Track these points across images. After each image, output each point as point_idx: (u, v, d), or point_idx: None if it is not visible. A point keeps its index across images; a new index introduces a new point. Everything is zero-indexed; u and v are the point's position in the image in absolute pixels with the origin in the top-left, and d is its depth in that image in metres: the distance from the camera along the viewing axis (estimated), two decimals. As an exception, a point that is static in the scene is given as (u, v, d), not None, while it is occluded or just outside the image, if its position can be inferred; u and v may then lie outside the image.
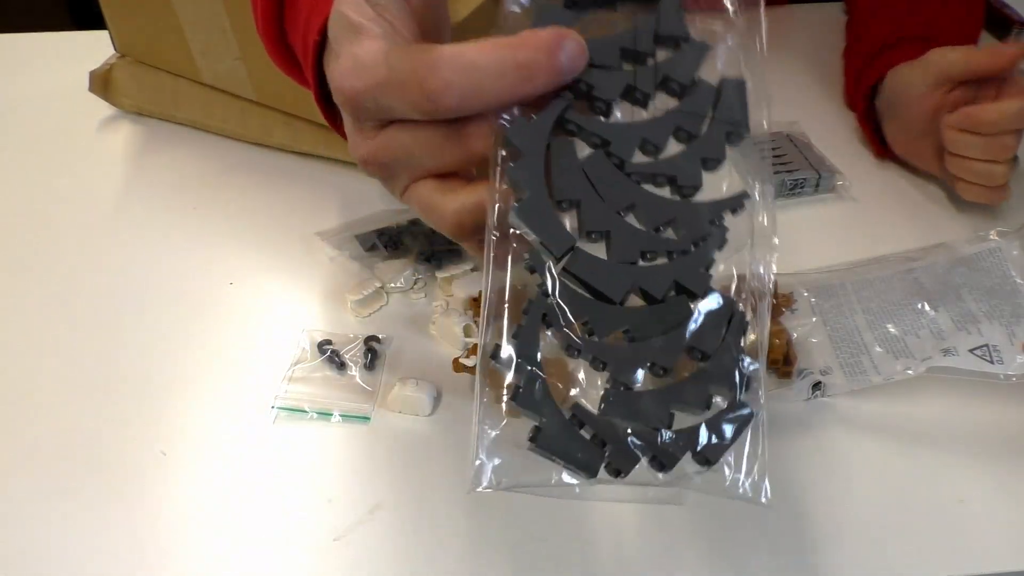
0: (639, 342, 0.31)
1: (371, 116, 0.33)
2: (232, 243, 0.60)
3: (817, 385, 0.48)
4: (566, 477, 0.30)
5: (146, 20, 0.67)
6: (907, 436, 0.46)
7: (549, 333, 0.30)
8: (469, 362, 0.46)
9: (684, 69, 0.32)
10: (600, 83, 0.31)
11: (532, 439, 0.30)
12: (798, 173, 0.63)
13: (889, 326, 0.49)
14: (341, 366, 0.50)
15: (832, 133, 0.69)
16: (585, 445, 0.30)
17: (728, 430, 0.30)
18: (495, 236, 0.31)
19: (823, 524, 0.42)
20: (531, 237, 0.30)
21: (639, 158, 0.32)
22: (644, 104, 0.32)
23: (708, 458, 0.30)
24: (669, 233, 0.32)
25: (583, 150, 0.32)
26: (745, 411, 0.30)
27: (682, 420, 0.30)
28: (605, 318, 0.31)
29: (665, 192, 0.32)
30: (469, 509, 0.43)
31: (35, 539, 0.41)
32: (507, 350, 0.30)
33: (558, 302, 0.30)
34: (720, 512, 0.42)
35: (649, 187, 0.32)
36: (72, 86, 0.72)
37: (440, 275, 0.55)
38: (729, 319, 0.31)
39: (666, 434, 0.30)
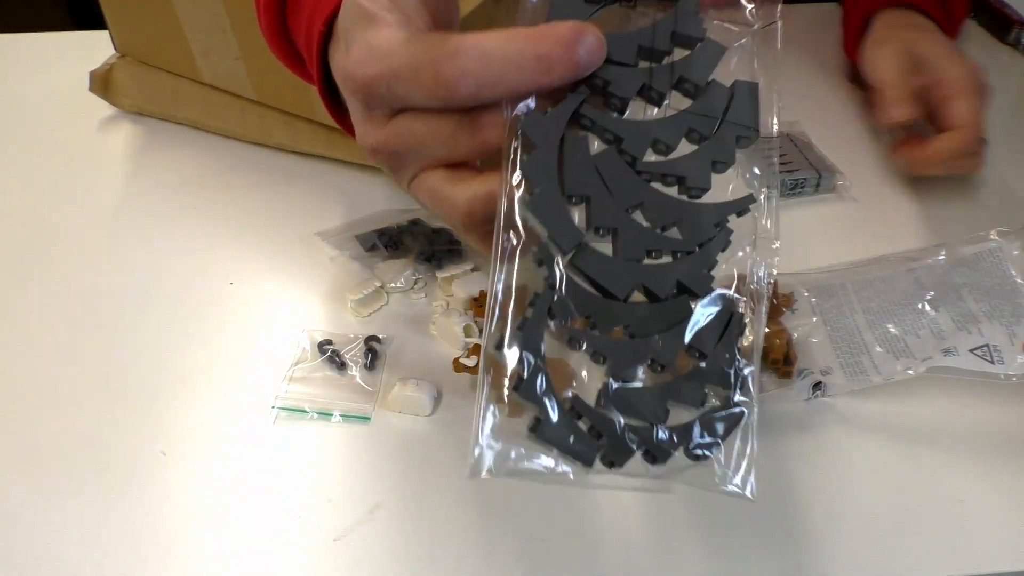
0: (639, 339, 0.31)
1: (382, 104, 0.33)
2: (232, 243, 0.60)
3: (817, 385, 0.48)
4: (562, 466, 0.31)
5: (146, 20, 0.67)
6: (907, 436, 0.46)
7: (553, 325, 0.31)
8: (469, 362, 0.46)
9: (699, 70, 0.32)
10: (617, 79, 0.31)
11: (532, 429, 0.30)
12: (798, 173, 0.63)
13: (889, 326, 0.49)
14: (341, 366, 0.50)
15: (832, 133, 0.69)
16: (582, 437, 0.31)
17: (720, 428, 0.31)
18: (505, 228, 0.31)
19: (823, 524, 0.42)
20: (540, 230, 0.31)
21: (649, 156, 0.32)
22: (659, 103, 0.32)
23: (699, 454, 0.31)
24: (674, 232, 0.32)
25: (595, 145, 0.32)
26: (737, 411, 0.31)
27: (676, 416, 0.31)
28: (608, 313, 0.31)
29: (673, 191, 0.32)
30: (469, 509, 0.43)
31: (35, 539, 0.41)
32: (512, 341, 0.30)
33: (564, 296, 0.31)
34: (720, 513, 0.42)
35: (658, 186, 0.32)
36: (72, 86, 0.72)
37: (440, 275, 0.55)
38: (728, 320, 0.32)
39: (660, 429, 0.31)
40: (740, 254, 0.33)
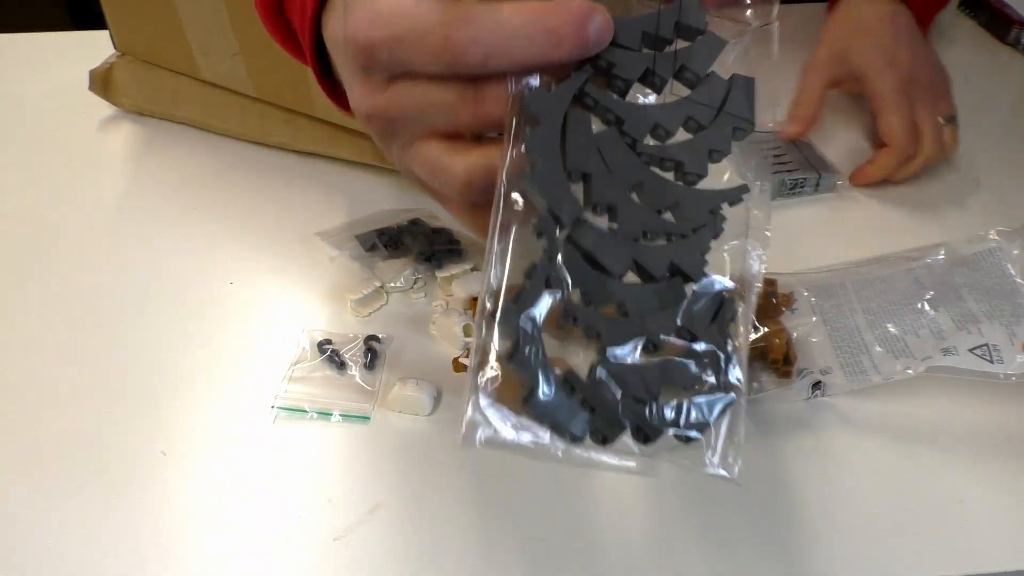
0: (633, 317, 0.31)
1: (383, 69, 0.33)
2: (232, 243, 0.60)
3: (817, 385, 0.48)
4: (551, 441, 0.31)
5: (146, 17, 0.67)
6: (907, 436, 0.46)
7: (548, 296, 0.31)
8: (469, 361, 0.46)
9: (701, 61, 0.32)
10: (621, 62, 0.32)
11: (525, 400, 0.30)
12: (798, 173, 0.63)
13: (889, 326, 0.49)
14: (341, 366, 0.50)
15: (832, 133, 0.69)
16: (575, 411, 0.30)
17: (709, 410, 0.31)
18: (503, 200, 0.31)
19: (823, 524, 0.42)
20: (540, 204, 0.31)
21: (647, 142, 0.32)
22: (659, 89, 0.33)
23: (689, 435, 0.31)
24: (669, 216, 0.32)
25: (596, 125, 0.32)
26: (728, 395, 0.31)
27: (666, 398, 0.31)
28: (603, 289, 0.31)
29: (669, 176, 0.33)
30: (469, 509, 0.43)
31: (35, 539, 0.41)
32: (508, 311, 0.30)
33: (561, 267, 0.31)
34: (720, 513, 0.42)
35: (656, 170, 0.32)
36: (72, 86, 0.72)
37: (440, 275, 0.55)
38: (720, 305, 0.32)
39: (652, 408, 0.31)
40: (734, 243, 0.34)
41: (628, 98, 0.33)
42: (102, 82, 0.71)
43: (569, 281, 0.31)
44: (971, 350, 0.46)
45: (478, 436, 0.30)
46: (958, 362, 0.46)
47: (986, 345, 0.46)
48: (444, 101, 0.32)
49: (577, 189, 0.31)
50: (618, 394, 0.31)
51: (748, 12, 0.34)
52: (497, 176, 0.31)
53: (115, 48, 0.72)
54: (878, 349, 0.48)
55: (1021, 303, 0.49)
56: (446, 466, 0.45)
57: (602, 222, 0.32)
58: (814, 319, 0.51)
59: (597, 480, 0.44)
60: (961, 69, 0.79)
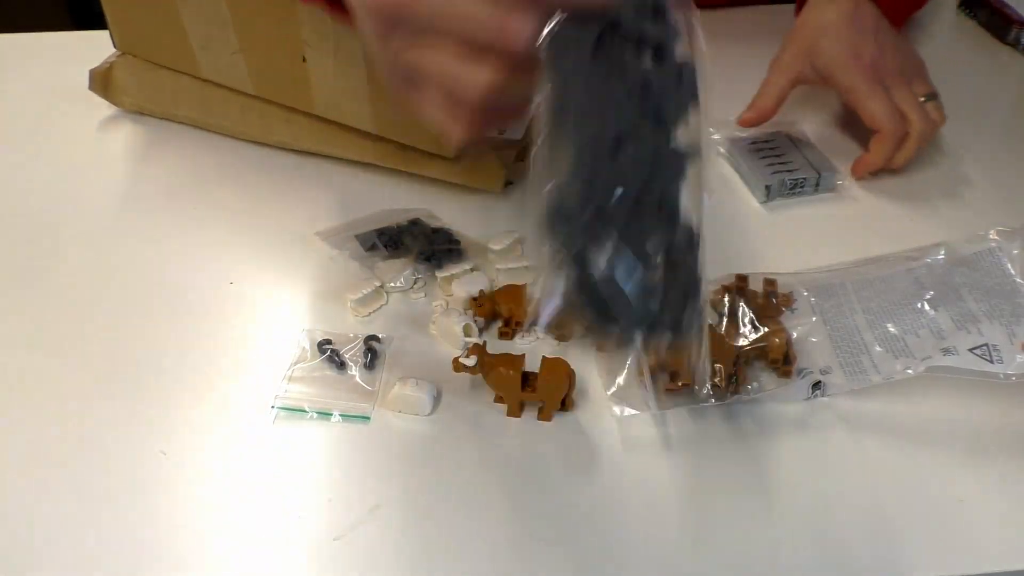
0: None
1: None
2: (232, 243, 0.60)
3: (817, 384, 0.48)
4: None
5: (146, 14, 0.67)
6: (907, 436, 0.46)
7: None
8: (469, 362, 0.46)
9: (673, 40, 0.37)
10: (627, 22, 0.35)
11: (569, 286, 0.35)
12: (798, 173, 0.63)
13: (889, 326, 0.49)
14: (341, 366, 0.50)
15: (832, 133, 0.69)
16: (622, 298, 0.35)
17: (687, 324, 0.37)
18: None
19: (823, 523, 0.42)
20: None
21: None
22: (657, 55, 0.36)
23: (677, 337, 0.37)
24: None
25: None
26: (702, 317, 0.38)
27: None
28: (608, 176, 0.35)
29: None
30: (469, 509, 0.43)
31: (35, 539, 0.41)
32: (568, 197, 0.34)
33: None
34: (719, 513, 0.42)
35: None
36: (72, 86, 0.72)
37: (440, 275, 0.55)
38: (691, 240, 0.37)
39: (653, 306, 0.36)
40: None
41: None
42: (102, 82, 0.71)
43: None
44: (971, 350, 0.46)
45: (544, 317, 0.35)
46: (958, 362, 0.46)
47: (986, 345, 0.46)
48: (471, 9, 0.33)
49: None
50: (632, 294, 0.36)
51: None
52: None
53: (115, 47, 0.72)
54: (878, 349, 0.48)
55: (1021, 303, 0.49)
56: (446, 466, 0.45)
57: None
58: (814, 319, 0.51)
59: (597, 481, 0.44)
60: (961, 69, 0.79)
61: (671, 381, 0.48)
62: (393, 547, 0.41)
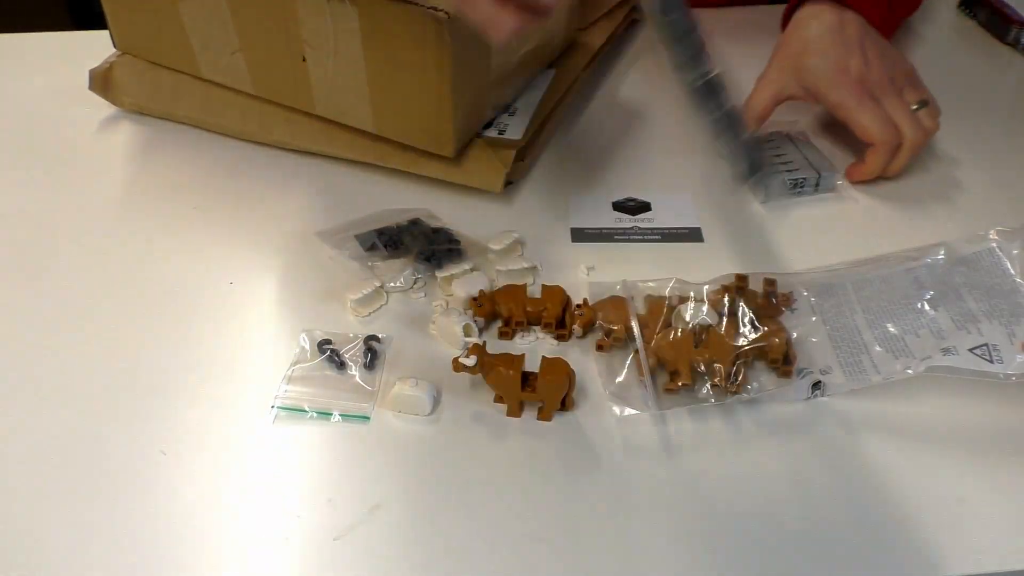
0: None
1: None
2: (232, 243, 0.60)
3: (817, 384, 0.48)
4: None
5: (146, 14, 0.67)
6: (907, 436, 0.46)
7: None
8: (469, 361, 0.46)
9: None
10: None
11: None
12: (798, 173, 0.63)
13: (889, 325, 0.49)
14: (341, 366, 0.50)
15: (832, 133, 0.69)
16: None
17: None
18: None
19: (823, 523, 0.42)
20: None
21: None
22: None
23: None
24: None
25: None
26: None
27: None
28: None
29: None
30: (469, 509, 0.43)
31: (35, 539, 0.41)
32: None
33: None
34: (719, 513, 0.42)
35: None
36: (72, 86, 0.72)
37: (440, 275, 0.55)
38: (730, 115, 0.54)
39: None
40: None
41: None
42: (102, 81, 0.71)
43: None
44: (971, 350, 0.46)
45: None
46: (958, 362, 0.46)
47: (986, 345, 0.46)
48: None
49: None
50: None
51: None
52: None
53: (115, 47, 0.72)
54: (878, 349, 0.48)
55: (1021, 303, 0.49)
56: (446, 466, 0.45)
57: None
58: (814, 319, 0.51)
59: (597, 480, 0.44)
60: (961, 69, 0.79)
61: (671, 381, 0.48)
62: (393, 547, 0.41)
